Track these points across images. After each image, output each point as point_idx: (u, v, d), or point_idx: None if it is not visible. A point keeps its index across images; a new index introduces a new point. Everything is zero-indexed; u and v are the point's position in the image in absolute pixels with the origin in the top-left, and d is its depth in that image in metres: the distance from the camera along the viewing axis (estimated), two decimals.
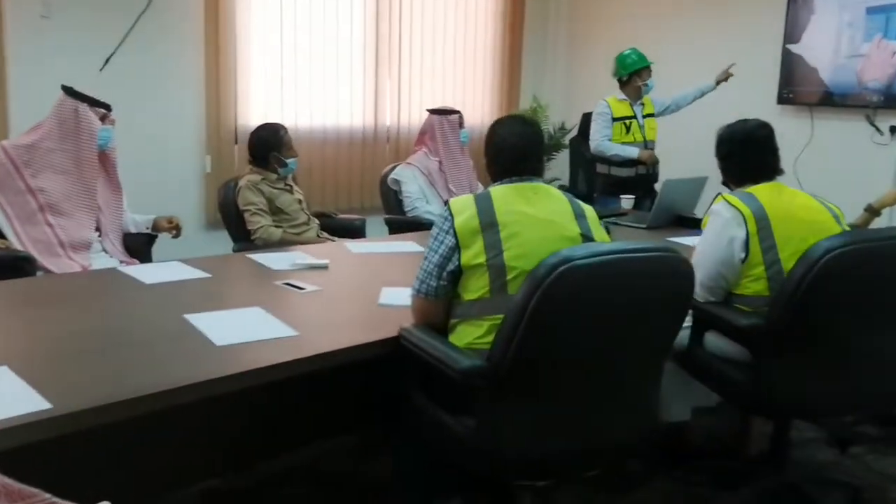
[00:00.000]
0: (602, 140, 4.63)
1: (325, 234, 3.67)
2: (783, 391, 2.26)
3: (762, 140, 2.54)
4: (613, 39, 6.11)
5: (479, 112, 6.14)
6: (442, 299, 2.01)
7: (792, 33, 5.18)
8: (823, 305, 2.15)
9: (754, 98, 5.39)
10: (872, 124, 4.95)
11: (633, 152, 4.59)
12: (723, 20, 5.58)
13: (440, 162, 4.18)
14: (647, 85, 4.66)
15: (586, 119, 5.23)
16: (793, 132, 5.27)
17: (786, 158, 5.13)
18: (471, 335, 1.94)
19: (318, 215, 3.82)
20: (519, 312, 1.71)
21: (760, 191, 2.42)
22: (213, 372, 1.73)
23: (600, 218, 3.84)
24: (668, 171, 4.36)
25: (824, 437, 3.05)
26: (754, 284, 2.31)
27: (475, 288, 1.94)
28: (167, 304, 2.27)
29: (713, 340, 2.47)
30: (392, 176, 4.19)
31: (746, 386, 2.33)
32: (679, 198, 3.73)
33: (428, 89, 5.73)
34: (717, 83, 4.70)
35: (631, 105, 4.65)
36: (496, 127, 2.21)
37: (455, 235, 1.96)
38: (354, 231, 3.82)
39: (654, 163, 4.65)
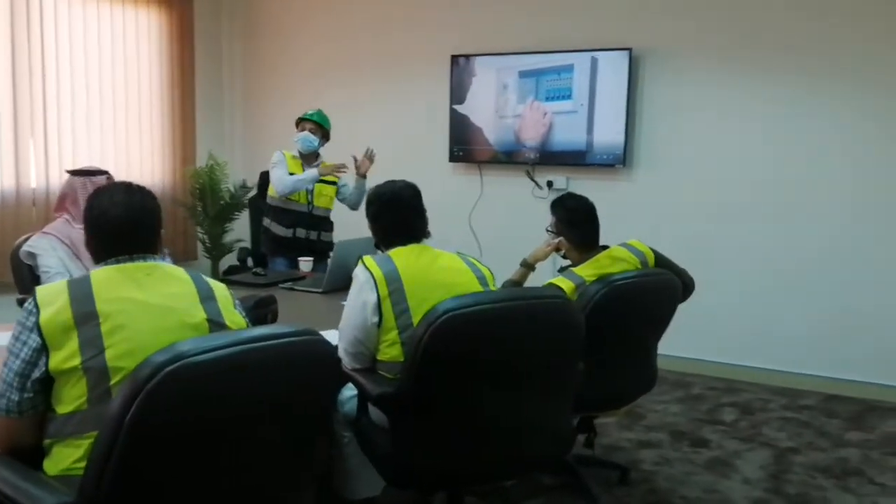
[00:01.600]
0: (282, 176, 4.27)
1: None
2: (421, 460, 2.17)
3: (407, 200, 2.47)
4: (292, 96, 6.00)
5: (150, 172, 5.62)
6: (29, 416, 1.60)
7: (457, 95, 5.42)
8: (445, 368, 2.08)
9: (429, 157, 5.56)
10: (532, 179, 5.31)
11: (311, 173, 4.24)
12: (396, 83, 5.69)
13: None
14: (298, 140, 4.35)
15: (265, 177, 4.97)
16: (465, 188, 5.52)
17: (460, 214, 5.50)
18: (67, 458, 1.55)
19: None
20: (114, 426, 1.38)
21: (399, 253, 2.34)
22: None
23: (277, 283, 3.66)
24: (344, 233, 4.21)
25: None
26: (391, 349, 2.22)
27: (70, 398, 1.56)
28: None
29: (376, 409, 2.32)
30: (25, 248, 3.53)
31: (389, 456, 2.20)
32: (353, 259, 3.58)
33: (83, 147, 5.11)
34: (362, 175, 4.45)
35: (302, 165, 4.40)
36: (92, 199, 1.85)
37: (40, 334, 1.57)
38: None
39: (336, 169, 4.31)
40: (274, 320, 2.83)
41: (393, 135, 5.69)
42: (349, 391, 2.45)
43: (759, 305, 4.77)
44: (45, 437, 1.60)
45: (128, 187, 1.88)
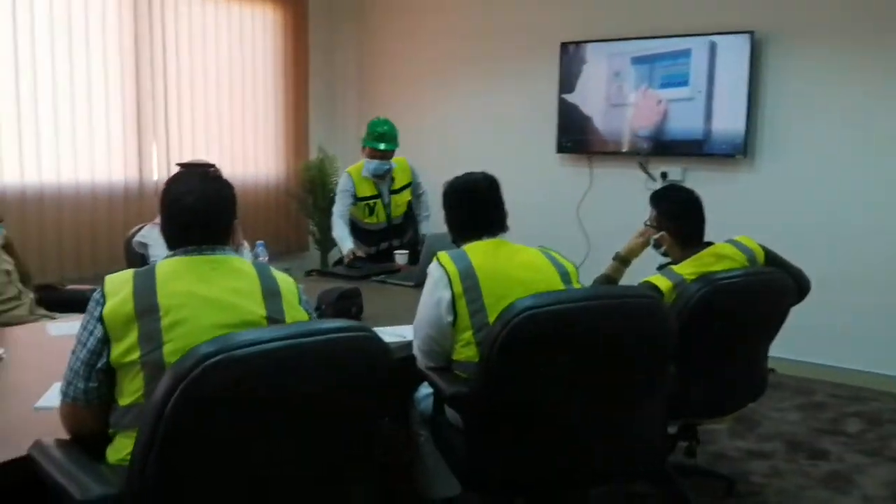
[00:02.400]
0: (337, 216, 4.33)
1: (42, 311, 3.15)
2: (495, 464, 2.06)
3: (484, 193, 2.37)
4: (402, 91, 6.02)
5: (265, 165, 5.79)
6: (94, 405, 1.62)
7: (566, 83, 5.25)
8: (521, 369, 1.96)
9: (535, 148, 5.43)
10: (645, 171, 5.07)
11: (346, 247, 4.19)
12: (504, 73, 5.57)
13: None
14: (367, 165, 4.32)
15: None
16: (573, 180, 5.34)
17: (568, 207, 5.33)
18: (125, 449, 1.55)
19: (42, 287, 3.29)
20: (155, 417, 1.37)
21: (475, 248, 2.24)
22: None
23: (370, 276, 3.65)
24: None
25: None
26: (465, 350, 2.12)
27: (130, 391, 1.57)
28: None
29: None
30: (137, 238, 3.70)
31: (463, 458, 2.12)
32: (442, 248, 3.52)
33: (202, 141, 5.31)
34: None
35: (375, 184, 4.37)
36: (170, 183, 1.83)
37: (103, 324, 1.59)
38: (86, 304, 3.31)
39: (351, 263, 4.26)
40: (359, 313, 2.82)
41: (500, 126, 5.61)
42: (426, 389, 2.39)
43: (891, 308, 4.35)
44: (110, 426, 1.62)
45: (204, 175, 1.86)
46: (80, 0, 4.54)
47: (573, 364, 2.01)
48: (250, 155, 5.68)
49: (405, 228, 4.59)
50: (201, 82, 5.28)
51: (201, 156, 5.26)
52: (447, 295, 2.13)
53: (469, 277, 2.13)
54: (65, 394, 1.63)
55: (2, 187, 4.26)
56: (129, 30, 4.82)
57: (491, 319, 2.06)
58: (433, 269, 2.20)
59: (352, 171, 4.38)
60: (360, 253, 4.20)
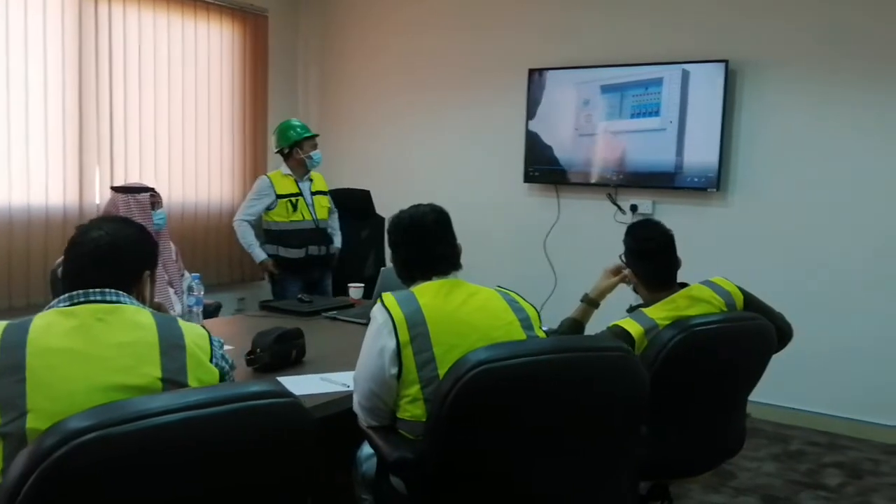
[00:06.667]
0: (242, 219, 4.35)
1: None
2: None
3: (429, 226, 2.11)
4: (366, 114, 5.80)
5: (219, 190, 5.49)
6: None
7: (534, 111, 5.05)
8: (475, 431, 1.72)
9: (503, 177, 5.22)
10: (614, 203, 4.88)
11: (258, 255, 4.32)
12: (470, 99, 5.37)
13: None
14: (311, 157, 4.34)
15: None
16: (540, 211, 5.13)
17: (534, 238, 5.10)
18: None
19: None
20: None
21: (424, 290, 1.98)
22: None
23: (320, 312, 3.38)
24: None
25: None
26: (412, 407, 1.86)
27: None
28: None
29: None
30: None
31: None
32: (399, 284, 3.27)
33: (149, 163, 5.01)
34: None
35: (296, 181, 4.34)
36: (79, 226, 1.62)
37: None
38: None
39: (271, 273, 4.38)
40: (300, 357, 2.55)
41: (464, 154, 5.42)
42: (369, 448, 2.12)
43: (870, 353, 4.17)
44: None
45: (127, 221, 1.72)
46: (19, 7, 4.25)
47: (533, 426, 1.77)
48: (203, 177, 5.39)
49: (329, 239, 4.55)
50: (151, 100, 5.00)
51: (149, 179, 4.97)
52: (391, 343, 1.87)
53: (417, 324, 1.87)
54: None
55: None
56: (72, 41, 4.53)
57: (441, 372, 1.81)
58: (376, 313, 1.94)
59: (269, 175, 4.41)
60: (271, 268, 4.30)
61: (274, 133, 4.49)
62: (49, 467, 1.09)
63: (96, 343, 1.39)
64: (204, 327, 1.57)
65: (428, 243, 2.07)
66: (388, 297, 1.93)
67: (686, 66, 4.56)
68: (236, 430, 1.26)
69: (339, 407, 2.15)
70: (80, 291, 1.48)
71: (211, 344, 1.53)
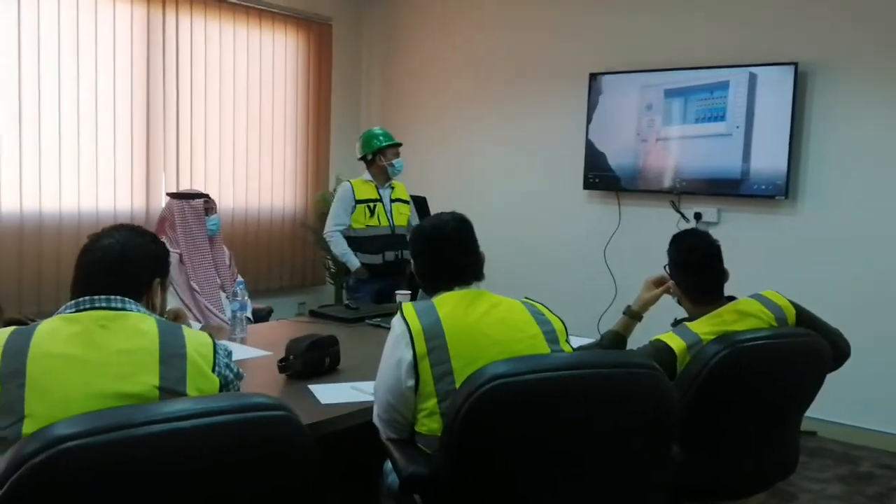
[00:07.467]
0: (334, 229, 4.30)
1: None
2: None
3: (449, 235, 2.06)
4: (427, 120, 5.80)
5: (282, 196, 5.59)
6: None
7: (595, 115, 4.94)
8: (490, 449, 1.67)
9: (562, 184, 5.13)
10: (678, 210, 4.72)
11: (354, 263, 4.24)
12: (530, 104, 5.30)
13: (181, 255, 3.54)
14: (393, 165, 4.32)
15: None
16: (601, 218, 5.02)
17: (594, 247, 4.99)
18: None
19: (9, 321, 3.09)
20: None
21: (445, 301, 1.93)
22: None
23: (364, 318, 3.39)
24: None
25: None
26: (429, 421, 1.81)
27: None
28: None
29: None
30: None
31: None
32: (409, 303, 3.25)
33: (214, 170, 5.14)
34: None
35: (377, 188, 4.33)
36: (91, 234, 1.66)
37: None
38: None
39: (363, 279, 4.28)
40: (334, 364, 2.54)
41: (525, 160, 5.35)
42: None
43: None
44: None
45: (139, 230, 1.72)
46: (90, 17, 4.42)
47: (553, 445, 1.70)
48: (266, 184, 5.49)
49: (406, 245, 4.42)
50: (216, 108, 5.13)
51: (213, 185, 5.09)
52: (408, 355, 1.83)
53: (435, 336, 1.82)
54: None
55: None
56: (140, 50, 4.69)
57: (458, 385, 1.77)
58: (395, 324, 1.90)
59: (351, 181, 4.40)
60: (364, 275, 4.23)
61: (358, 140, 4.50)
62: (27, 472, 1.10)
63: (96, 349, 1.40)
64: (211, 335, 1.57)
65: (449, 253, 2.03)
66: (407, 307, 1.90)
67: (753, 69, 4.38)
68: (223, 443, 1.24)
69: (363, 418, 2.12)
70: (87, 298, 1.50)
71: (215, 353, 1.53)
